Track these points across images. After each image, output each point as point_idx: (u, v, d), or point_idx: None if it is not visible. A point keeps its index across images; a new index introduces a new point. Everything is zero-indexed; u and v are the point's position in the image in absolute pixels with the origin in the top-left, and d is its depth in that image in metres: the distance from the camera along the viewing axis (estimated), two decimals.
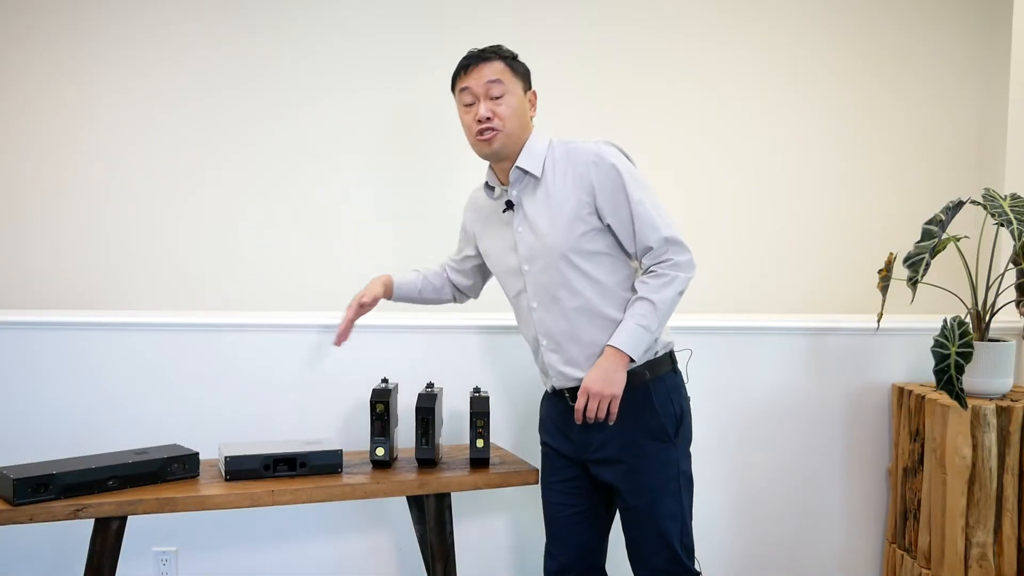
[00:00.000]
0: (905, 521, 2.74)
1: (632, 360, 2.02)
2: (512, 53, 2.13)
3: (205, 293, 3.29)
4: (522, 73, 2.12)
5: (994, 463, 2.46)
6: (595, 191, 2.04)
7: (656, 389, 2.09)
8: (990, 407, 2.46)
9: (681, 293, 2.04)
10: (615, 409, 2.01)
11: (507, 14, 3.32)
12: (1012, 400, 2.53)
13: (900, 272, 2.61)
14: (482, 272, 2.41)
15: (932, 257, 2.51)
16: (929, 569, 2.60)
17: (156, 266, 3.29)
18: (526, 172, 2.10)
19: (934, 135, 3.50)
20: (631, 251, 2.07)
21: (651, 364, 2.08)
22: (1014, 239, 2.40)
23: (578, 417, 2.03)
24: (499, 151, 2.08)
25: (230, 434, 2.58)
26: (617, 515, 2.23)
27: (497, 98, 2.06)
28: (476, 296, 2.49)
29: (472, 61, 2.09)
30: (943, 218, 2.54)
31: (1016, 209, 2.43)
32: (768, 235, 3.48)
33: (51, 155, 3.25)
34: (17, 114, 3.24)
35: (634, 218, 2.02)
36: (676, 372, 2.15)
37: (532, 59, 2.16)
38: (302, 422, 2.70)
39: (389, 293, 2.38)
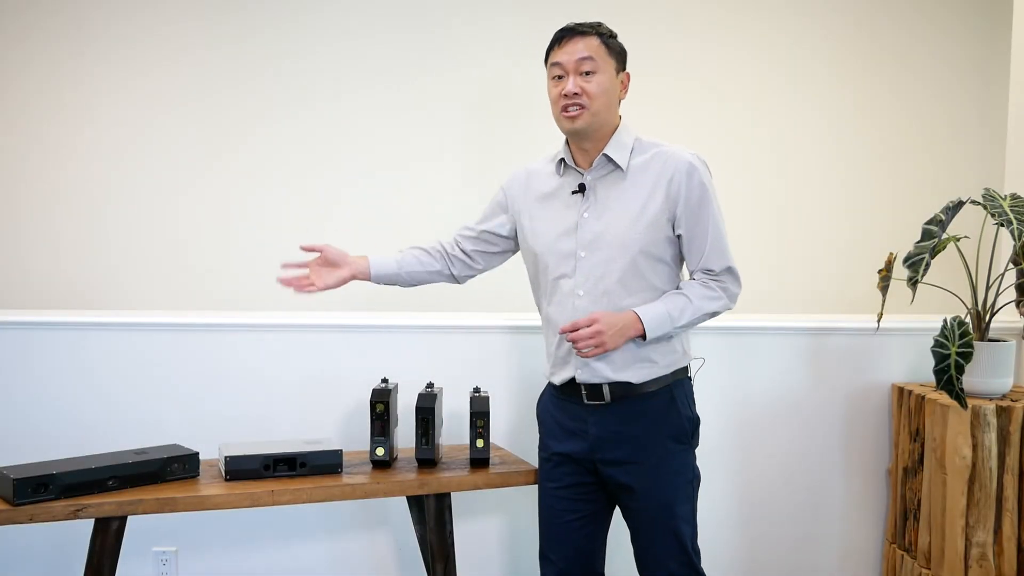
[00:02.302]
0: (905, 521, 2.74)
1: (643, 339, 2.01)
2: (611, 31, 2.08)
3: (205, 293, 3.29)
4: (617, 52, 2.08)
5: (994, 463, 2.46)
6: (679, 201, 2.03)
7: (678, 393, 2.10)
8: (990, 407, 2.46)
9: (714, 315, 2.07)
10: (590, 356, 2.00)
11: (507, 14, 3.32)
12: (1012, 400, 2.53)
13: (900, 272, 2.61)
14: (510, 249, 2.30)
15: (932, 257, 2.51)
16: (929, 569, 2.60)
17: (156, 266, 3.29)
18: (612, 161, 2.07)
19: (934, 135, 3.50)
20: (692, 267, 2.08)
21: (676, 370, 2.10)
22: (1014, 239, 2.40)
23: (565, 328, 1.99)
24: (583, 129, 2.04)
25: (230, 434, 2.58)
26: (618, 521, 2.22)
27: (587, 74, 2.03)
28: (482, 271, 2.33)
29: (567, 34, 2.05)
30: (943, 218, 2.54)
31: (1016, 209, 2.44)
32: (768, 235, 3.48)
33: (51, 155, 3.25)
34: (17, 114, 3.24)
35: (708, 239, 2.03)
36: (689, 379, 2.16)
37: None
38: (302, 422, 2.70)
39: (365, 273, 2.21)
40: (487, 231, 2.28)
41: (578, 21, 2.07)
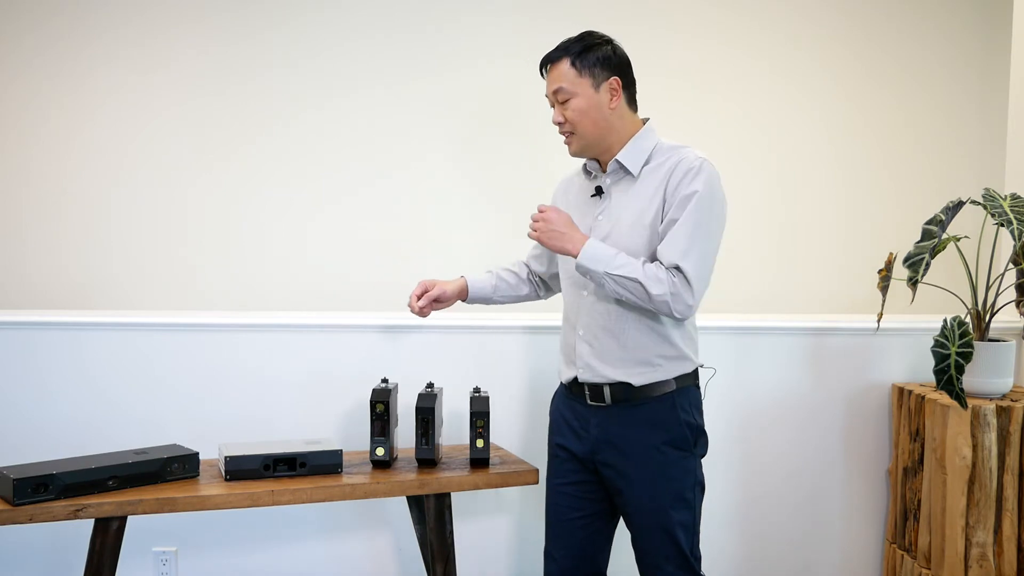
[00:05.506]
0: (905, 521, 2.74)
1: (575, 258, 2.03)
2: (584, 45, 2.05)
3: (206, 293, 3.29)
4: (591, 66, 2.05)
5: (994, 463, 2.46)
6: (668, 199, 2.01)
7: (680, 399, 2.08)
8: (990, 407, 2.46)
9: (651, 299, 1.97)
10: (531, 236, 2.08)
11: (507, 13, 3.32)
12: (1012, 400, 2.53)
13: (900, 272, 2.61)
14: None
15: (932, 257, 2.51)
16: (929, 569, 2.60)
17: (157, 266, 3.29)
18: (623, 166, 2.08)
19: (934, 135, 3.50)
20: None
21: (679, 377, 2.08)
22: (1014, 239, 2.40)
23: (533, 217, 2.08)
24: (580, 152, 2.11)
25: (230, 434, 2.58)
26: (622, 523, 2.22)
27: (564, 102, 2.06)
28: (558, 291, 2.39)
29: (543, 64, 2.10)
30: (943, 218, 2.54)
31: (1016, 209, 2.44)
32: (768, 236, 3.48)
33: (52, 155, 3.25)
34: (18, 114, 3.24)
35: (674, 231, 1.98)
36: (698, 388, 2.14)
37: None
38: (302, 422, 2.70)
39: (464, 294, 2.34)
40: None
41: (554, 47, 2.07)
